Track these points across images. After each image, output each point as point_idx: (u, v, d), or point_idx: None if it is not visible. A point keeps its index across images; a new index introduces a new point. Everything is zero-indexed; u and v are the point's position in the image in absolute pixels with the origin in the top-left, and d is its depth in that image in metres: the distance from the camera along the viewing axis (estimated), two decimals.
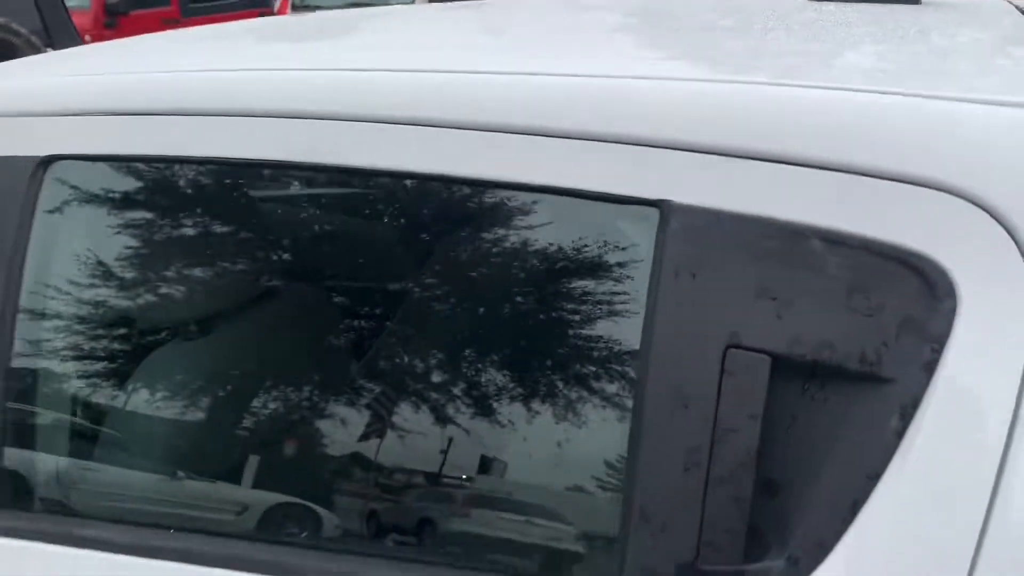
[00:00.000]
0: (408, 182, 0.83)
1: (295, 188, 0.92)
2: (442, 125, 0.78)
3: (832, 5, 1.20)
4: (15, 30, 5.06)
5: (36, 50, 5.23)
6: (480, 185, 0.78)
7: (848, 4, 1.22)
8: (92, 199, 1.01)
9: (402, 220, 0.91)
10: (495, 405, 0.81)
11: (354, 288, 0.95)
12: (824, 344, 0.67)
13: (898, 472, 0.65)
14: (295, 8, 7.49)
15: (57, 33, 5.53)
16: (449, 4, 1.57)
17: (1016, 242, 0.63)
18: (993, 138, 0.67)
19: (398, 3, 7.01)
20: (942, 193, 0.65)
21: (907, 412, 0.65)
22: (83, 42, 5.96)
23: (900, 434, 0.65)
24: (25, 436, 0.98)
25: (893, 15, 1.09)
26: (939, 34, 1.09)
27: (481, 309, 0.86)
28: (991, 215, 0.64)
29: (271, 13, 11.47)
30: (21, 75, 1.15)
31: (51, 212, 0.99)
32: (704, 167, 0.71)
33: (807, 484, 0.68)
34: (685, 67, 0.94)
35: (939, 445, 0.65)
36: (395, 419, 0.85)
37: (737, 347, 0.69)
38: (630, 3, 1.39)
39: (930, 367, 0.64)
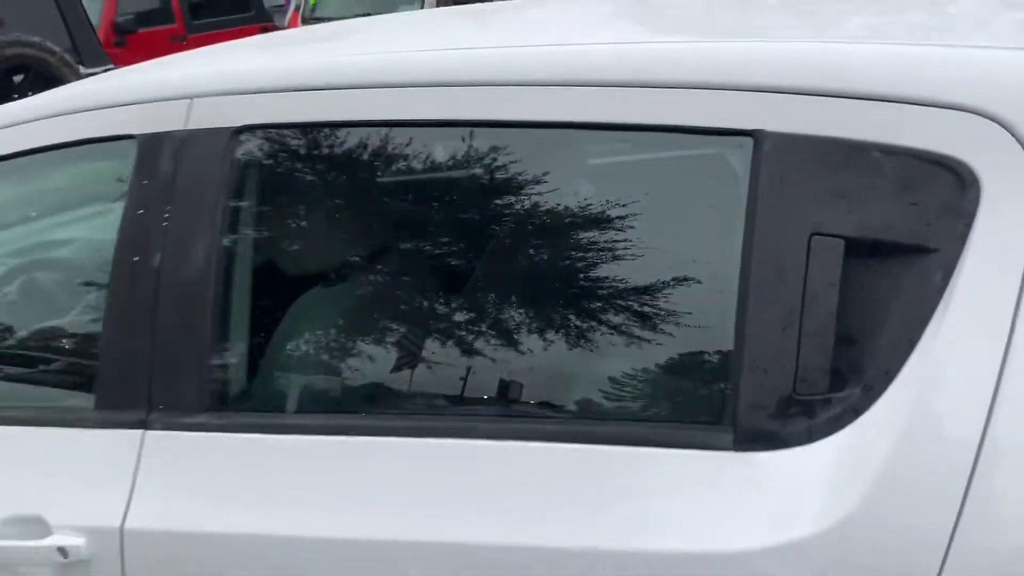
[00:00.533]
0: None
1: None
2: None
3: None
4: (50, 48, 5.31)
5: (70, 67, 5.48)
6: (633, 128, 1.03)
7: None
8: (272, 159, 1.27)
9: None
10: (641, 285, 1.06)
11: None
12: (883, 227, 0.92)
13: (941, 316, 0.90)
14: (305, 21, 7.72)
15: (86, 52, 5.78)
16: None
17: (1020, 143, 0.88)
18: (1001, 72, 0.92)
19: (404, 7, 7.27)
20: (965, 113, 0.91)
21: (947, 272, 0.90)
22: (107, 59, 6.20)
23: (942, 289, 0.90)
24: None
25: None
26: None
27: (625, 209, 1.10)
28: (1002, 126, 0.89)
29: (274, 28, 11.73)
30: (220, 60, 1.40)
31: (242, 169, 1.24)
32: (788, 103, 0.96)
33: (874, 331, 0.93)
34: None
35: (971, 294, 0.89)
36: (553, 305, 1.11)
37: (818, 234, 0.94)
38: None
39: (963, 238, 0.89)
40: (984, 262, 0.89)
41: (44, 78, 5.31)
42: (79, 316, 1.45)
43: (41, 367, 1.49)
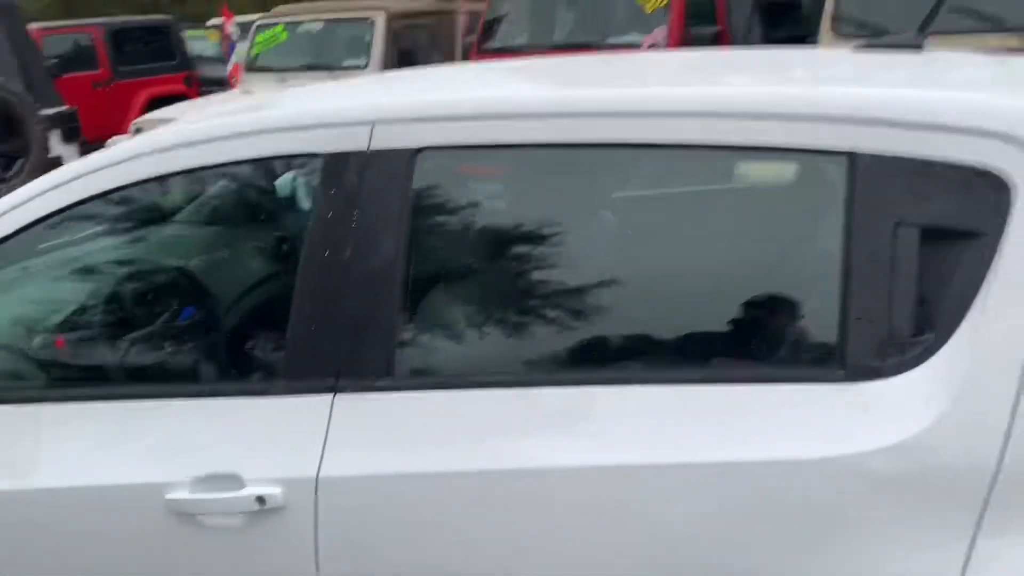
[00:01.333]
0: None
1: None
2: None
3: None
4: (11, 90, 5.37)
5: (30, 108, 5.55)
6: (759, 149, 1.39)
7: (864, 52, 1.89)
8: (444, 175, 1.57)
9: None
10: (778, 266, 1.42)
11: None
12: (946, 216, 1.30)
13: (989, 282, 1.28)
14: (248, 70, 7.92)
15: (41, 93, 5.84)
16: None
17: None
18: (1020, 111, 1.33)
19: (350, 60, 7.56)
20: (999, 140, 1.30)
21: (992, 250, 1.28)
22: (61, 101, 6.27)
23: (988, 263, 1.28)
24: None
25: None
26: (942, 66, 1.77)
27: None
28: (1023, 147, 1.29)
29: (197, 77, 11.82)
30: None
31: (421, 184, 1.54)
32: (874, 130, 1.34)
33: (942, 293, 1.30)
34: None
35: (1009, 266, 1.27)
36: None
37: (900, 224, 1.31)
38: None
39: (1002, 225, 1.28)
40: (1016, 242, 1.28)
41: (6, 118, 5.37)
42: (259, 301, 1.70)
43: (227, 345, 1.72)
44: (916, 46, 1.77)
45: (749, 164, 1.46)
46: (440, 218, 1.57)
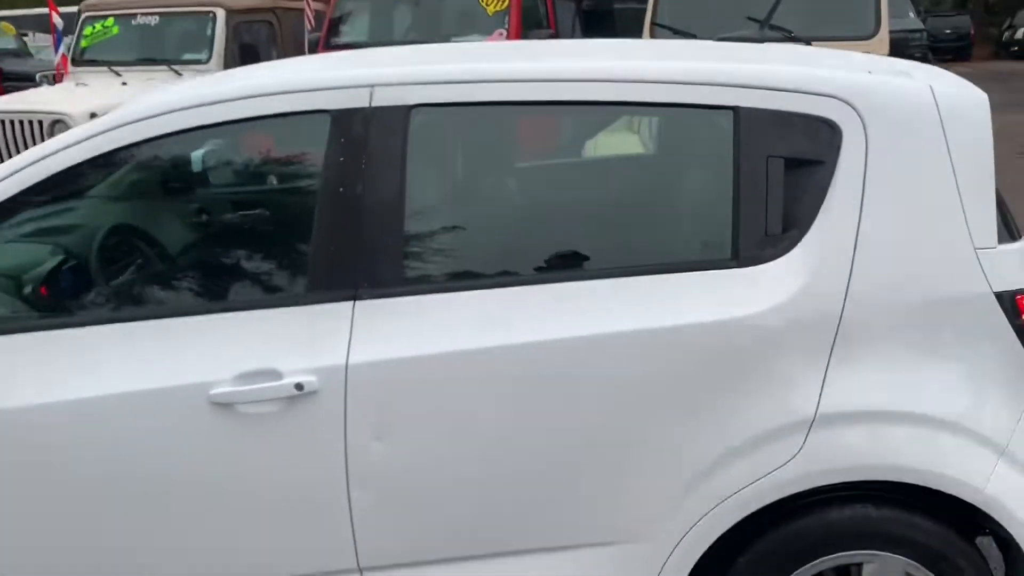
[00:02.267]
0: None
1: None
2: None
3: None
4: None
5: None
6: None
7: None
8: (433, 129, 2.01)
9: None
10: (684, 187, 1.96)
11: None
12: (801, 151, 1.89)
13: (829, 195, 1.88)
14: (74, 63, 7.74)
15: None
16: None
17: (856, 112, 1.89)
18: (850, 78, 1.94)
19: (190, 55, 7.60)
20: (835, 99, 1.91)
21: (830, 173, 1.88)
22: None
23: (828, 181, 1.88)
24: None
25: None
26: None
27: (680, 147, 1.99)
28: (849, 105, 1.90)
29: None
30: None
31: (416, 135, 1.97)
32: (751, 92, 1.91)
33: (799, 203, 1.89)
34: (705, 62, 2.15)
35: (842, 183, 1.88)
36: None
37: (770, 156, 1.89)
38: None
39: (836, 155, 1.88)
40: (846, 168, 1.89)
41: None
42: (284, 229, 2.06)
43: (257, 267, 2.07)
44: (759, 40, 2.40)
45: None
46: (430, 160, 2.01)
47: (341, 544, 1.98)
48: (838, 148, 1.90)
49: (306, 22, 7.58)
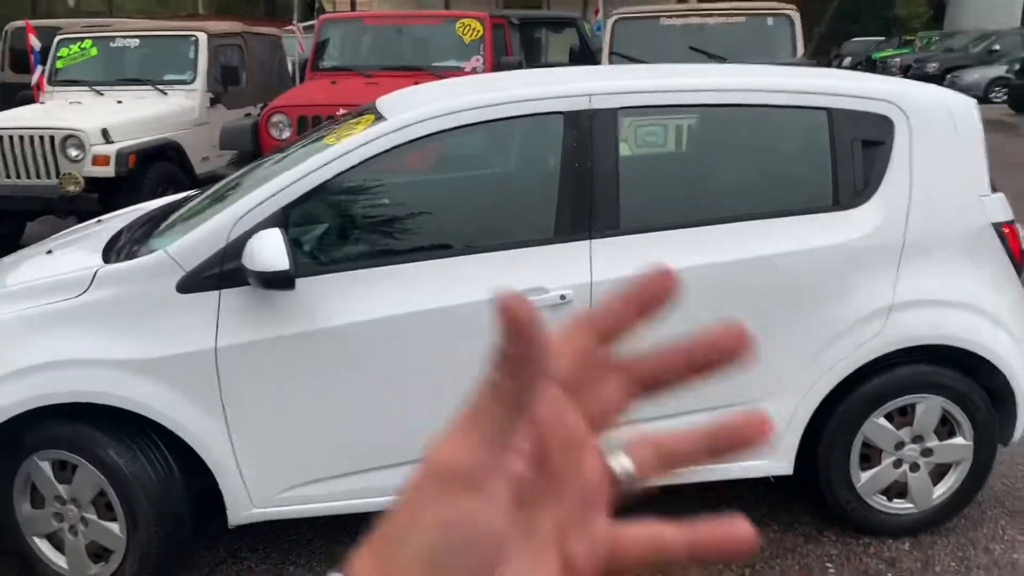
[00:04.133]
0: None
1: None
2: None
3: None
4: None
5: None
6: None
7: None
8: (632, 123, 2.93)
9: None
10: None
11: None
12: (871, 135, 2.93)
13: (891, 164, 2.93)
14: (50, 83, 8.07)
15: None
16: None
17: (903, 111, 2.96)
18: (900, 88, 3.00)
19: (171, 75, 8.07)
20: (887, 103, 2.96)
21: (888, 149, 2.93)
22: None
23: (888, 156, 2.93)
24: None
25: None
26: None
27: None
28: (897, 106, 2.96)
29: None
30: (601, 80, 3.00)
31: (622, 128, 2.89)
32: (839, 99, 2.94)
33: (872, 170, 2.93)
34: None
35: (897, 157, 2.93)
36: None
37: (854, 139, 2.92)
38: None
39: (891, 137, 2.94)
40: (899, 147, 2.95)
41: None
42: (533, 193, 2.92)
43: (522, 219, 2.91)
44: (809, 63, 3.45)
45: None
46: (633, 145, 2.93)
47: None
48: (893, 134, 2.95)
49: (297, 47, 8.22)
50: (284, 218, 2.73)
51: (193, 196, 3.66)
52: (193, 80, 7.98)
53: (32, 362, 2.63)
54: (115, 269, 2.74)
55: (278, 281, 2.55)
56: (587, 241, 2.82)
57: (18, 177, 6.89)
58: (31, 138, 6.82)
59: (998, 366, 2.99)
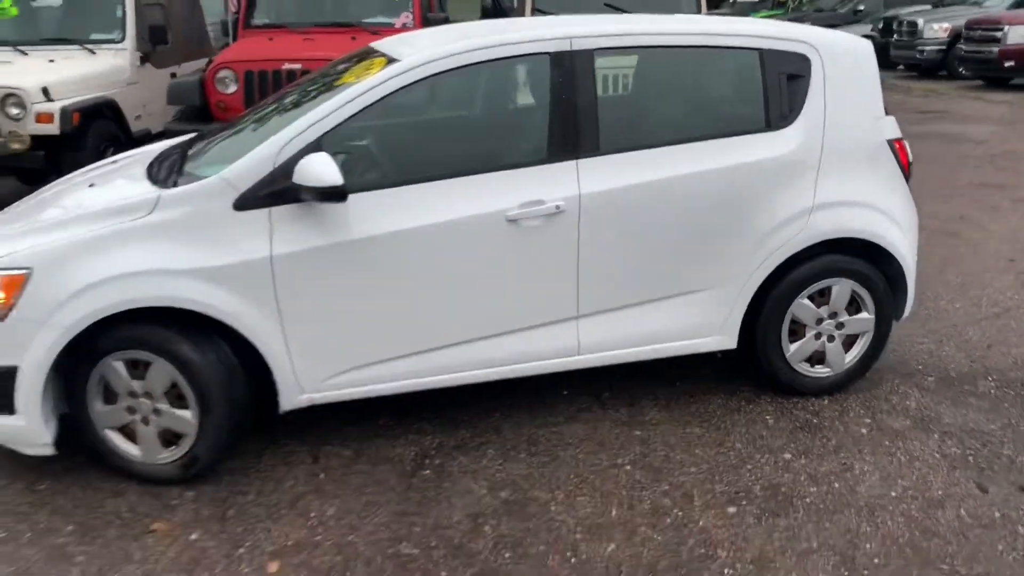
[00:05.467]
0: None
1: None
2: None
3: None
4: None
5: None
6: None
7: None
8: (600, 59, 3.53)
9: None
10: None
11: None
12: (794, 70, 3.63)
13: (811, 94, 3.63)
14: None
15: None
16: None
17: (817, 51, 3.66)
18: (816, 33, 3.71)
19: (98, 34, 8.14)
20: (807, 44, 3.66)
21: (807, 81, 3.63)
22: None
23: (807, 86, 3.64)
24: None
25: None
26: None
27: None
28: (812, 47, 3.66)
29: None
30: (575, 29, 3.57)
31: (597, 66, 3.48)
32: (769, 40, 3.62)
33: (794, 99, 3.63)
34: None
35: (813, 87, 3.64)
36: None
37: (780, 73, 3.61)
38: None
39: (807, 71, 3.64)
40: (815, 80, 3.65)
41: None
42: (528, 122, 3.49)
43: (521, 144, 3.47)
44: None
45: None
46: (602, 77, 3.53)
47: (570, 300, 3.47)
48: (810, 69, 3.66)
49: (229, 4, 8.40)
50: (318, 146, 3.21)
51: (206, 135, 4.07)
52: (122, 39, 8.10)
53: (111, 273, 3.05)
54: (178, 192, 3.17)
55: (333, 195, 3.04)
56: (574, 161, 3.42)
57: None
58: None
59: (894, 254, 3.76)
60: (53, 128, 6.87)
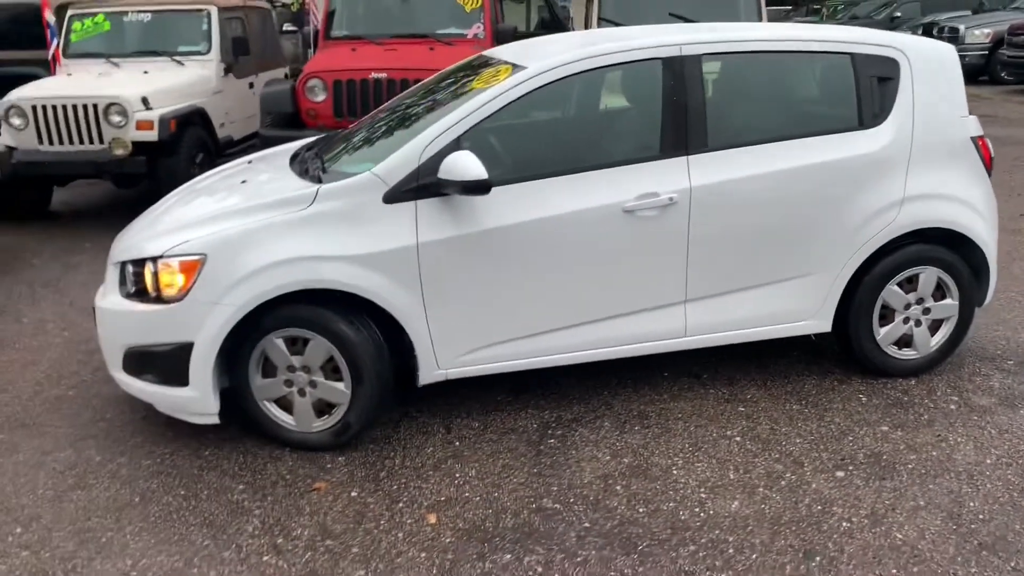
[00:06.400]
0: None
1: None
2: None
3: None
4: None
5: None
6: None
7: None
8: (708, 63, 3.84)
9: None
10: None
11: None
12: (883, 73, 3.93)
13: (900, 94, 3.93)
14: (70, 57, 8.51)
15: None
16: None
17: (906, 56, 3.96)
18: (903, 39, 4.00)
19: (191, 52, 8.60)
20: (895, 49, 3.96)
21: (896, 83, 3.93)
22: None
23: (896, 88, 3.93)
24: None
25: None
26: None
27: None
28: (902, 52, 3.96)
29: None
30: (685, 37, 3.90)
31: (704, 66, 3.80)
32: (858, 45, 3.92)
33: (885, 97, 3.92)
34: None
35: (904, 88, 3.94)
36: None
37: (871, 76, 3.91)
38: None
39: (898, 73, 3.94)
40: (904, 82, 3.95)
41: None
42: (642, 122, 3.82)
43: (637, 141, 3.80)
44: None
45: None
46: (711, 80, 3.85)
47: (679, 286, 3.78)
48: (899, 72, 3.95)
49: (312, 16, 8.83)
50: (457, 145, 3.55)
51: (332, 139, 4.44)
52: (209, 51, 8.55)
53: (278, 258, 3.40)
54: (334, 187, 3.52)
55: (478, 188, 3.38)
56: (684, 157, 3.73)
57: (61, 144, 7.41)
58: (74, 107, 7.34)
59: (978, 243, 4.04)
60: (152, 135, 7.31)
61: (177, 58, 8.48)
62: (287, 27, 12.15)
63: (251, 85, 9.41)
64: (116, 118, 7.30)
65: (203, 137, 8.04)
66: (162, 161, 7.46)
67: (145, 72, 8.11)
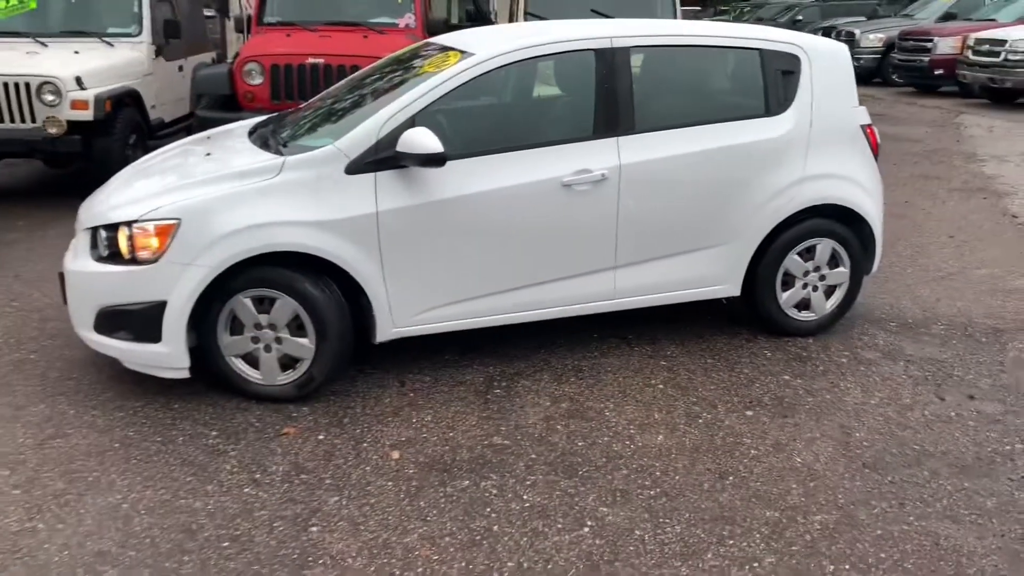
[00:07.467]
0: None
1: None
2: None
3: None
4: None
5: None
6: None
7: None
8: (635, 53, 4.30)
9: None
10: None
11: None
12: (786, 67, 4.46)
13: (802, 86, 4.47)
14: None
15: None
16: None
17: (806, 53, 4.51)
18: (804, 39, 4.55)
19: (121, 33, 8.63)
20: (797, 46, 4.50)
21: (797, 76, 4.47)
22: None
23: (797, 81, 4.47)
24: None
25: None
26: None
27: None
28: (802, 48, 4.50)
29: None
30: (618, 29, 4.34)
31: (632, 56, 4.26)
32: (766, 42, 4.44)
33: (788, 89, 4.46)
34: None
35: (804, 81, 4.48)
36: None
37: (776, 69, 4.43)
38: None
39: (799, 68, 4.48)
40: (804, 75, 4.49)
41: None
42: (577, 105, 4.25)
43: (573, 124, 4.22)
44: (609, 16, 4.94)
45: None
46: (635, 68, 4.31)
47: (609, 253, 4.24)
48: (800, 66, 4.49)
49: (239, 2, 8.96)
50: (412, 122, 3.92)
51: (284, 117, 4.74)
52: (139, 33, 8.62)
53: (247, 223, 3.71)
54: (300, 158, 3.84)
55: (434, 160, 3.75)
56: (615, 138, 4.19)
57: None
58: (4, 84, 7.35)
59: (867, 219, 4.63)
60: (88, 115, 7.38)
61: (107, 39, 8.52)
62: (207, 12, 12.18)
63: (180, 68, 9.50)
64: (49, 97, 7.35)
65: (136, 118, 8.13)
66: (97, 141, 7.55)
67: (76, 52, 8.13)
